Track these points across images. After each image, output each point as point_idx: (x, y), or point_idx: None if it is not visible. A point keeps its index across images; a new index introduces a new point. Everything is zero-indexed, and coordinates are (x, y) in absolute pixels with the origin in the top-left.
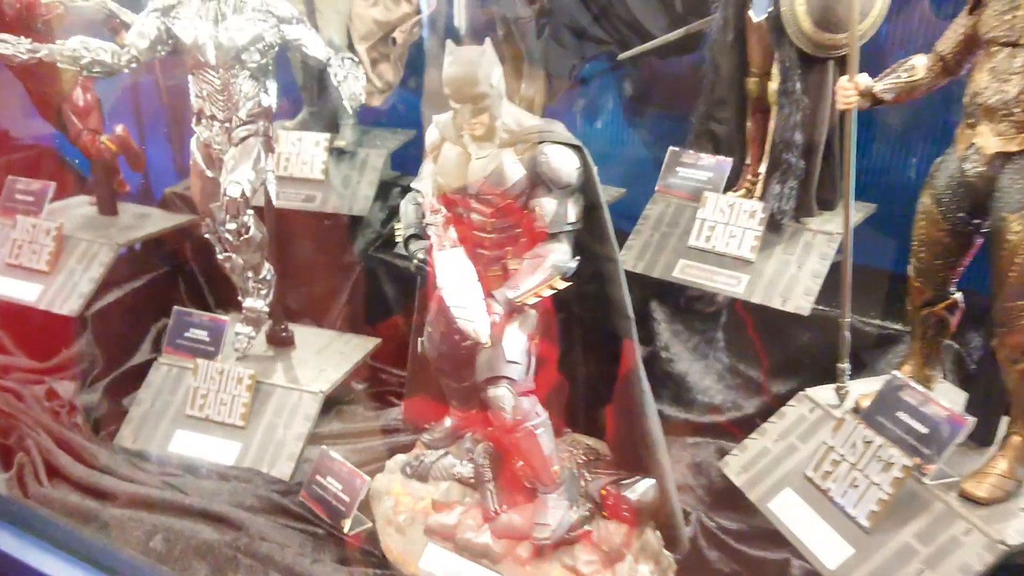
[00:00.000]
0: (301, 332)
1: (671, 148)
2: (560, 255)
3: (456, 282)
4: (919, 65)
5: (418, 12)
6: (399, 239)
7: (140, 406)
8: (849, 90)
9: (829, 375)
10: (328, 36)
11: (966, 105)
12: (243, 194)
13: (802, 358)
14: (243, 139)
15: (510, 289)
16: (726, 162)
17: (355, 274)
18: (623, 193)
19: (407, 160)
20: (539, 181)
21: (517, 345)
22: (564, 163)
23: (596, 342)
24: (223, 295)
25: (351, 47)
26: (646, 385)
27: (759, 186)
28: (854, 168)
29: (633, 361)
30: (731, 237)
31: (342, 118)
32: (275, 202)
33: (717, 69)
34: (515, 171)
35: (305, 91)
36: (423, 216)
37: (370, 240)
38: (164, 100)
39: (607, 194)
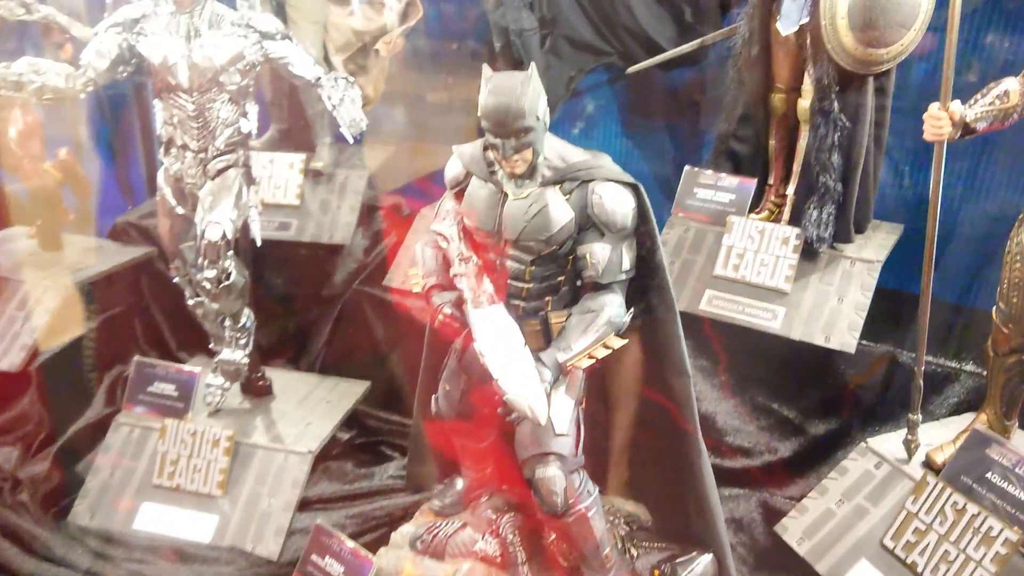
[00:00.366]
0: (279, 378)
1: (687, 167)
2: (614, 308)
3: (500, 347)
4: (1012, 90)
5: (401, 22)
6: (417, 289)
7: (97, 475)
8: (942, 120)
9: (873, 415)
10: (303, 48)
11: None
12: (224, 236)
13: (842, 395)
14: (221, 171)
15: (561, 351)
16: (749, 183)
17: (337, 310)
18: None
19: (389, 180)
20: (589, 224)
21: (565, 414)
22: (620, 204)
23: (644, 398)
24: (187, 337)
25: (326, 59)
26: (703, 447)
27: (787, 209)
28: (939, 205)
29: (692, 422)
30: (763, 266)
31: (317, 136)
32: (258, 242)
33: (741, 84)
34: (562, 213)
35: (274, 106)
36: (443, 261)
37: (353, 271)
38: (107, 113)
39: None
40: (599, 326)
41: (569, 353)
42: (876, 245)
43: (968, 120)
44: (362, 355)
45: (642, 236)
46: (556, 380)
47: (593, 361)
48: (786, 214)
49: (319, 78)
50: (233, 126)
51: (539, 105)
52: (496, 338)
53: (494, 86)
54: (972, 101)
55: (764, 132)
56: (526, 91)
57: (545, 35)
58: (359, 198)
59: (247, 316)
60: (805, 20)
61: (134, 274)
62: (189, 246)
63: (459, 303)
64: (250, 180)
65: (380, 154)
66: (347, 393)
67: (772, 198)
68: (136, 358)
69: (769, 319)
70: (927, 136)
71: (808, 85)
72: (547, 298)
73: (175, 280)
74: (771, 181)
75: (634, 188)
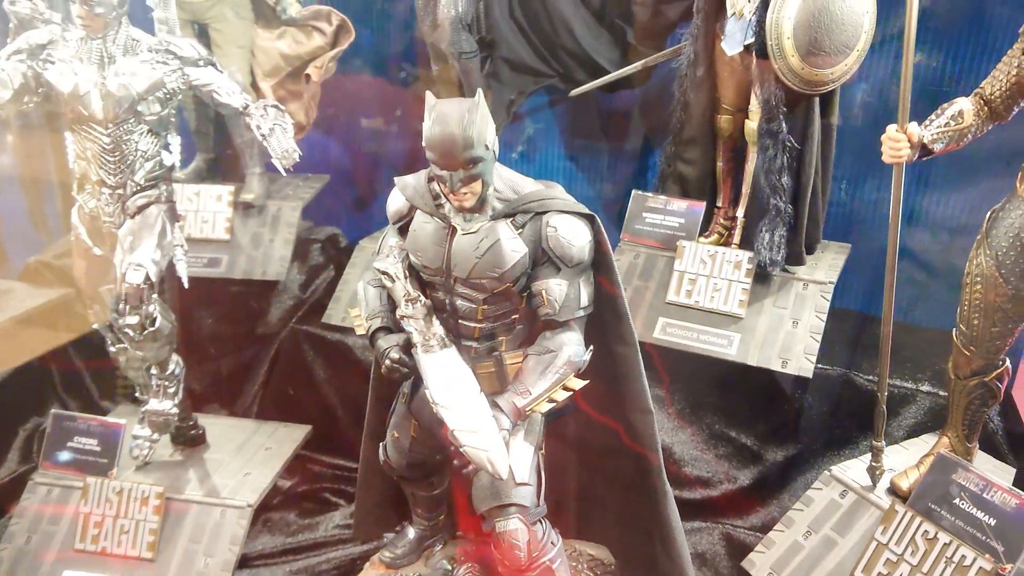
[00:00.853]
0: (213, 425)
1: (634, 192)
2: (573, 347)
3: (454, 395)
4: (966, 110)
5: (333, 45)
6: (360, 332)
7: (12, 541)
8: (900, 142)
9: (832, 439)
10: (229, 74)
11: None
12: (147, 279)
13: (799, 420)
14: (141, 208)
15: (519, 396)
16: (698, 206)
17: (273, 350)
18: None
19: (324, 211)
20: (544, 259)
21: (525, 462)
22: (576, 237)
23: (605, 437)
24: (110, 385)
25: (254, 85)
26: (668, 487)
27: (737, 231)
28: (898, 231)
29: (656, 461)
30: (715, 291)
31: (247, 167)
32: (186, 285)
33: (686, 106)
34: (515, 248)
35: (199, 135)
36: (387, 301)
37: (289, 309)
38: (11, 139)
39: None
40: (558, 367)
41: (528, 398)
42: (827, 266)
43: (926, 141)
44: (302, 397)
45: (599, 269)
46: (514, 426)
47: (553, 404)
48: (736, 236)
49: (247, 106)
50: (154, 159)
51: (488, 134)
52: (450, 385)
53: (439, 115)
54: (927, 122)
55: (711, 154)
56: (473, 119)
57: (485, 58)
58: (293, 231)
59: (175, 363)
60: (750, 41)
61: (49, 318)
62: (108, 289)
63: (407, 347)
64: (174, 217)
65: (315, 183)
66: (287, 438)
67: (721, 220)
68: (53, 411)
69: (724, 346)
70: (886, 158)
71: (755, 106)
72: (501, 338)
73: (95, 326)
74: (719, 203)
75: (590, 219)
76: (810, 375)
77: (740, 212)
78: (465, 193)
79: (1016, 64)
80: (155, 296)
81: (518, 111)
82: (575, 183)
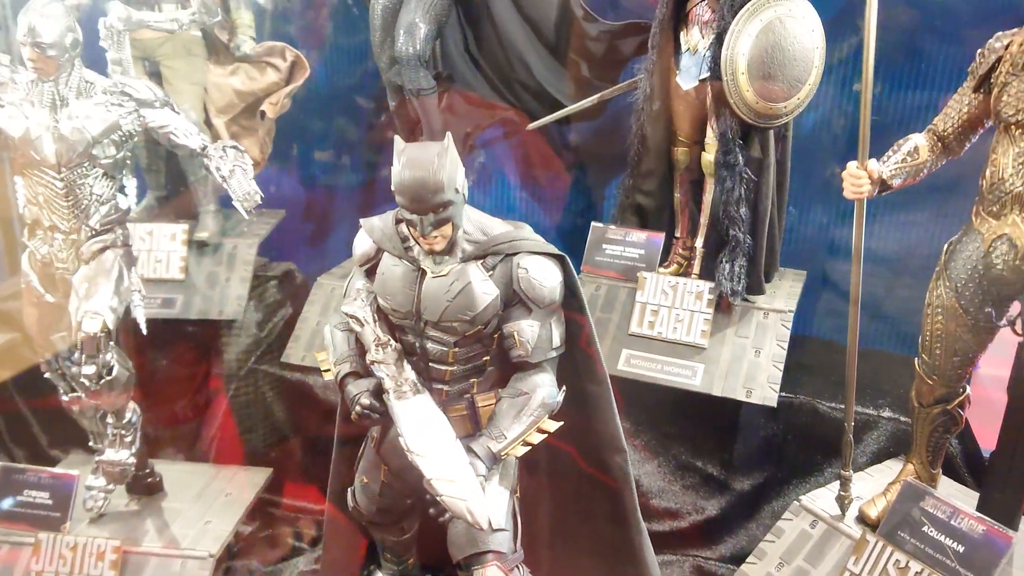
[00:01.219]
0: (170, 471)
1: (594, 224)
2: (547, 389)
3: (429, 442)
4: (921, 146)
5: (288, 81)
6: (328, 376)
7: None
8: (861, 178)
9: (797, 467)
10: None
11: (985, 190)
12: (104, 327)
13: (764, 449)
14: (97, 253)
15: (494, 440)
16: (657, 237)
17: (231, 391)
18: None
19: (280, 246)
20: (515, 300)
21: (501, 507)
22: (547, 278)
23: (579, 477)
24: (61, 432)
25: (208, 122)
26: (643, 526)
27: (696, 262)
28: (861, 264)
29: (631, 500)
30: (678, 321)
31: (200, 204)
32: (144, 331)
33: (643, 139)
34: (486, 291)
35: (150, 172)
36: (356, 345)
37: (247, 348)
38: None
39: None
40: (532, 409)
41: (503, 442)
42: (785, 294)
43: (885, 177)
44: (262, 439)
45: (571, 308)
46: (490, 471)
47: (529, 448)
48: (695, 267)
49: (205, 147)
50: (109, 203)
51: (457, 177)
52: (424, 432)
53: (408, 159)
54: (885, 158)
55: (668, 185)
56: (443, 163)
57: (442, 92)
58: (250, 268)
59: (132, 410)
60: (705, 75)
61: None
62: (62, 337)
63: (378, 392)
64: (131, 261)
65: (270, 219)
66: (248, 483)
67: (680, 251)
68: (1, 465)
69: (689, 376)
70: (847, 194)
71: (712, 139)
72: (473, 380)
73: (46, 375)
74: (678, 234)
75: (560, 259)
76: (774, 404)
77: (699, 242)
78: (435, 236)
79: (966, 102)
80: (112, 344)
81: (475, 143)
82: (533, 215)
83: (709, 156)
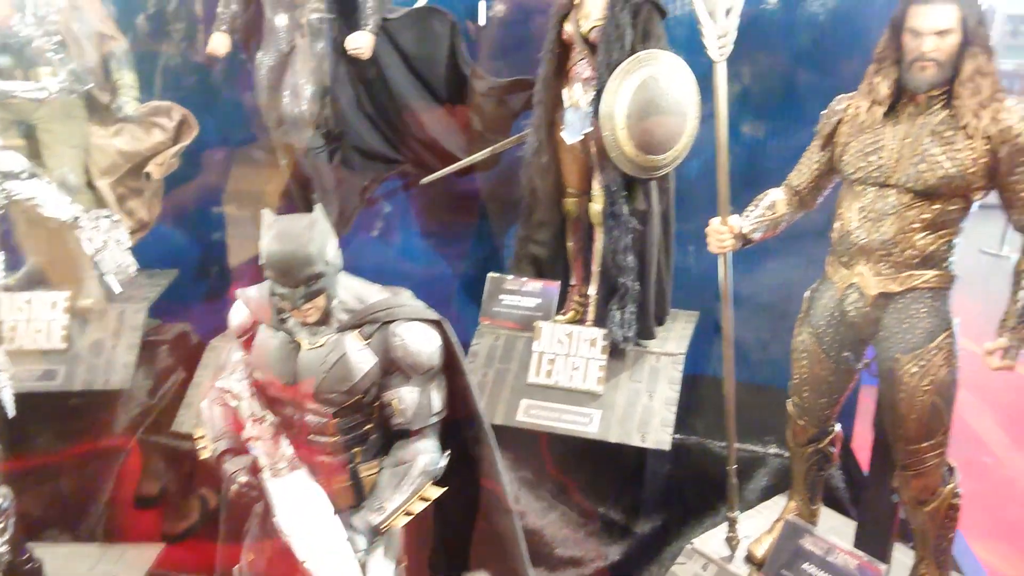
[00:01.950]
0: (52, 556)
1: (490, 274)
2: (429, 455)
3: (305, 521)
4: (778, 200)
5: (175, 141)
6: (206, 455)
7: None
8: (723, 233)
9: (692, 507)
10: (61, 175)
11: (836, 242)
12: None
13: (661, 492)
14: None
15: (374, 513)
16: (553, 286)
17: (119, 464)
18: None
19: (172, 306)
20: (394, 368)
21: None
22: (424, 344)
23: (463, 548)
24: None
25: (90, 184)
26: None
27: (591, 309)
28: (731, 309)
29: (521, 562)
30: (574, 370)
31: (83, 268)
32: (11, 413)
33: (534, 191)
34: (364, 361)
35: (28, 238)
36: (233, 421)
37: (135, 418)
38: None
39: None
40: (413, 478)
41: (383, 514)
42: (677, 336)
43: (745, 232)
44: (152, 514)
45: (451, 371)
46: (372, 544)
47: (411, 517)
48: (591, 313)
49: (77, 218)
50: None
51: (328, 249)
52: (300, 510)
53: (277, 233)
54: (745, 214)
55: (561, 235)
56: (313, 236)
57: (334, 150)
58: (138, 334)
59: (3, 496)
60: (588, 130)
61: None
62: None
63: (255, 469)
64: None
65: (162, 279)
66: (137, 561)
67: (576, 298)
68: None
69: (586, 423)
70: (712, 249)
71: (598, 190)
72: (355, 450)
73: None
74: (573, 282)
75: (438, 324)
76: (668, 447)
77: (592, 290)
78: (308, 309)
79: (815, 159)
80: None
81: (373, 195)
82: (433, 264)
83: (596, 207)
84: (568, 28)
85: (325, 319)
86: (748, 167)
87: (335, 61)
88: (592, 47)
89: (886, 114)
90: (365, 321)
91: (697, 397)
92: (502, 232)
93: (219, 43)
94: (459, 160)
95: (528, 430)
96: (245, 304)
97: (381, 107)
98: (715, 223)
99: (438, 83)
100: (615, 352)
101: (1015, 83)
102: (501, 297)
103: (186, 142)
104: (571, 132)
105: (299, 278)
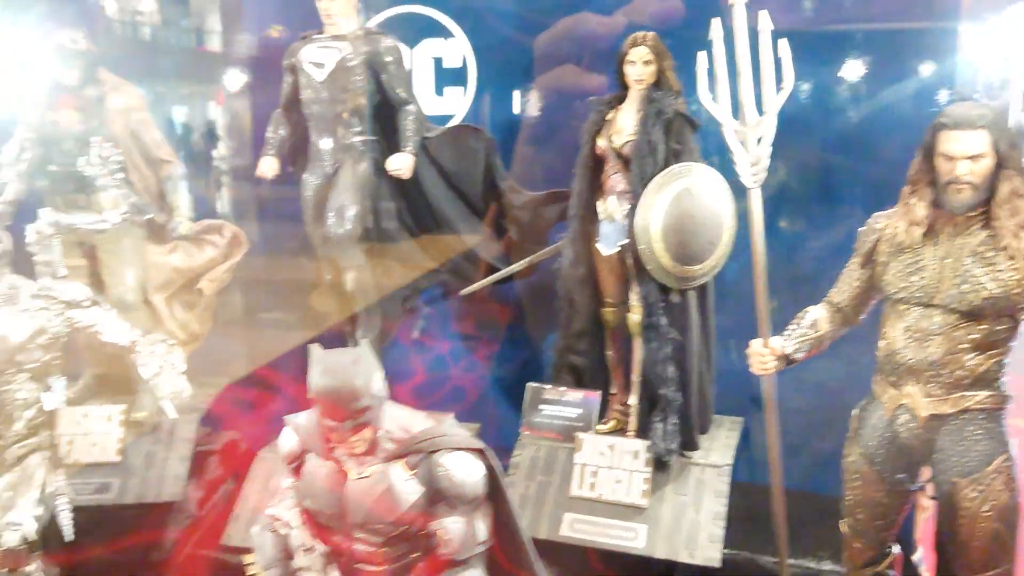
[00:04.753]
0: None
1: (529, 384)
2: None
3: None
4: (820, 318)
5: (226, 257)
6: None
7: None
8: (765, 356)
9: None
10: (119, 294)
11: (882, 361)
12: (25, 540)
13: None
14: (20, 459)
15: None
16: (593, 396)
17: None
18: (478, 428)
19: (222, 415)
20: (439, 498)
21: None
22: (468, 474)
23: None
24: None
25: (146, 300)
26: None
27: (633, 418)
28: (776, 424)
29: None
30: (617, 483)
31: (137, 382)
32: (68, 537)
33: (572, 302)
34: (409, 491)
35: (86, 350)
36: (284, 550)
37: (186, 531)
38: None
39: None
40: None
41: None
42: (722, 446)
43: (787, 353)
44: None
45: (494, 497)
46: None
47: None
48: (632, 423)
49: (134, 343)
50: (34, 406)
51: (374, 382)
52: None
53: (324, 368)
54: (787, 334)
55: (600, 344)
56: (359, 370)
57: (377, 262)
58: (190, 446)
59: None
60: (624, 242)
61: None
62: None
63: None
64: (56, 463)
65: (211, 389)
66: None
67: (617, 407)
68: None
69: (632, 539)
70: (754, 370)
71: (635, 301)
72: None
73: None
74: (614, 391)
75: (481, 453)
76: (718, 564)
77: (633, 399)
78: (355, 441)
79: (856, 276)
80: (36, 553)
81: (415, 305)
82: (473, 371)
83: (635, 317)
84: (601, 143)
85: (371, 449)
86: (788, 263)
87: (375, 180)
88: (626, 161)
89: (925, 234)
90: (410, 451)
91: (746, 506)
92: (541, 338)
93: (268, 167)
94: (497, 270)
95: (572, 546)
96: (295, 431)
97: (421, 220)
98: (756, 345)
99: (475, 198)
100: (659, 464)
101: None
102: (541, 407)
103: (236, 258)
104: (607, 244)
105: (346, 412)
